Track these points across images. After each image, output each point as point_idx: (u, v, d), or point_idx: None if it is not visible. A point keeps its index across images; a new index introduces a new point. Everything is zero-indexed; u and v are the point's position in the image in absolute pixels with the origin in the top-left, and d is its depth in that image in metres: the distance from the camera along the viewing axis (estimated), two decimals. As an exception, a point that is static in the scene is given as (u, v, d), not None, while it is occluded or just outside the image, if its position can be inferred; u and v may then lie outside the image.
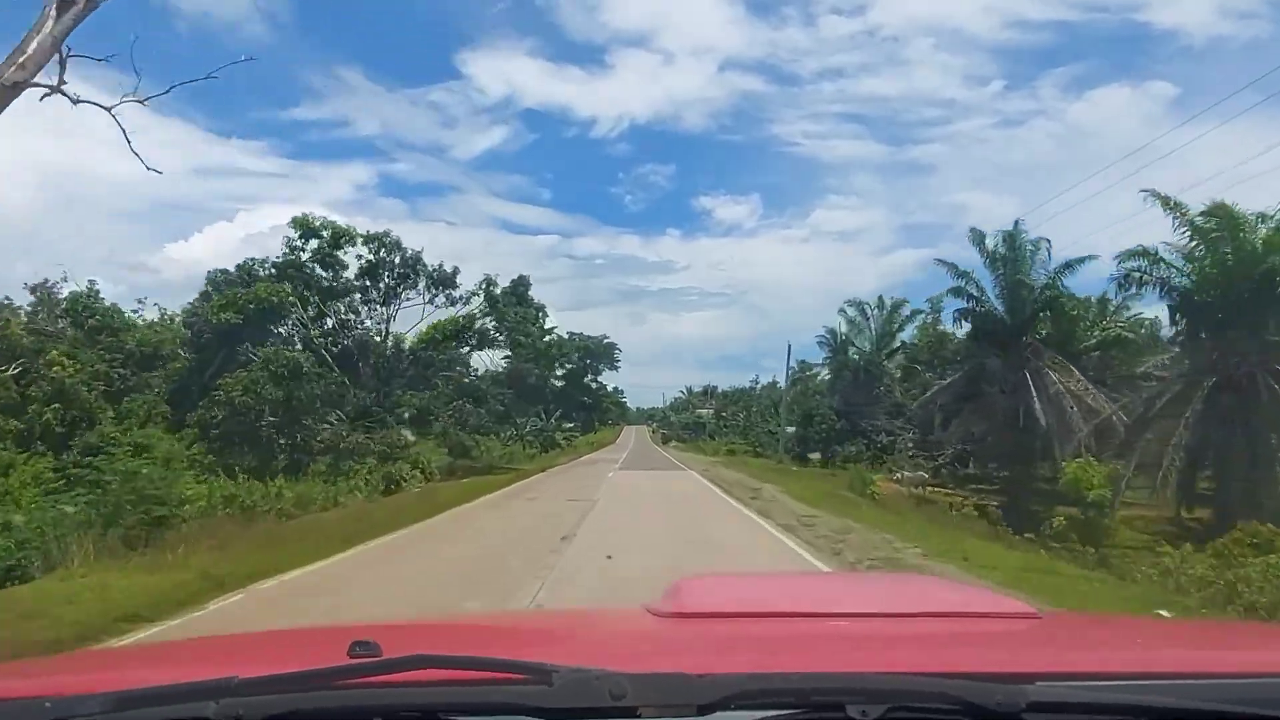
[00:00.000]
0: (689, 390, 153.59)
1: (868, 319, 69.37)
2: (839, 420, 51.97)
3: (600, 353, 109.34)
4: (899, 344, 63.40)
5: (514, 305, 41.71)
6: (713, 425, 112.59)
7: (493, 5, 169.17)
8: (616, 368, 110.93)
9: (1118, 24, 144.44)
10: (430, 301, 38.23)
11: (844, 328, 74.56)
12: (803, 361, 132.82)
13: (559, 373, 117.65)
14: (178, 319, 35.66)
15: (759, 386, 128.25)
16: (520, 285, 44.60)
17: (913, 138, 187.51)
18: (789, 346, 58.86)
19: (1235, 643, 2.28)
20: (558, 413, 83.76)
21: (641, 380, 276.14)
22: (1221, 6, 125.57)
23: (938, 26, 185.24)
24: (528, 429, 70.21)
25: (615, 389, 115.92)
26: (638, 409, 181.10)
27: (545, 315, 46.09)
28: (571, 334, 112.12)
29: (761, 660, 1.61)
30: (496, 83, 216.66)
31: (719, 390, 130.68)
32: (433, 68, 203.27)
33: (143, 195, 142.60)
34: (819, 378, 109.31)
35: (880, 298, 67.68)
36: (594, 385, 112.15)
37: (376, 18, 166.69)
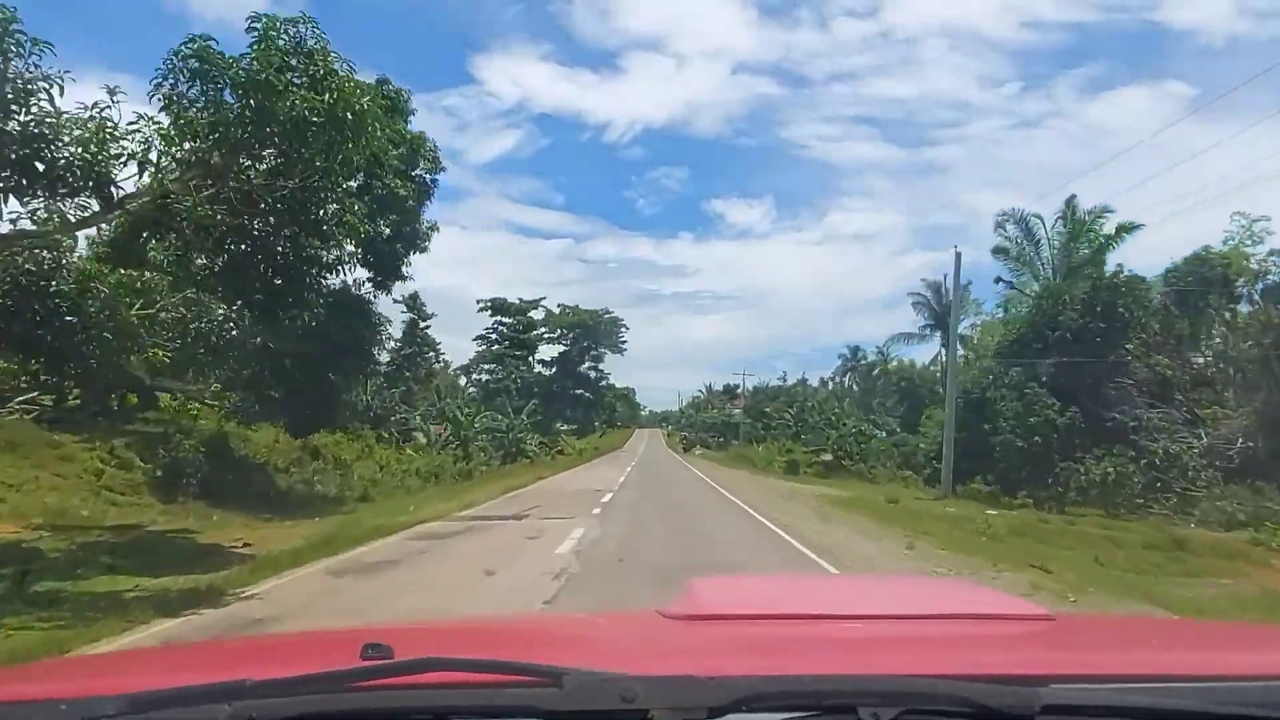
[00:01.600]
0: (708, 388, 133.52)
1: (1036, 243, 40.43)
2: (1063, 413, 23.12)
3: (599, 330, 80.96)
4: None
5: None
6: (747, 426, 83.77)
7: (506, 11, 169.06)
8: (622, 349, 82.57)
9: (1134, 24, 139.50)
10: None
11: (940, 289, 46.91)
12: (856, 349, 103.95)
13: (547, 355, 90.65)
14: None
15: (787, 383, 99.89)
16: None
17: (927, 140, 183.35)
18: (956, 256, 29.10)
19: (1253, 644, 2.13)
20: (528, 405, 55.27)
21: (655, 384, 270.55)
22: (1240, 5, 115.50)
23: (952, 28, 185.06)
24: (476, 427, 41.76)
25: (628, 389, 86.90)
26: (650, 412, 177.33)
27: (434, 157, 16.76)
28: (564, 306, 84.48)
29: (774, 663, 1.59)
30: (510, 87, 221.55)
31: (742, 388, 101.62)
32: (446, 73, 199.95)
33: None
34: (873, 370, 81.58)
35: (1069, 201, 38.65)
36: (594, 374, 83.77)
37: (391, 24, 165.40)
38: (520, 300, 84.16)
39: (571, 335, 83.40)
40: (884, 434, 55.29)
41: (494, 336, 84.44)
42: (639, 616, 2.46)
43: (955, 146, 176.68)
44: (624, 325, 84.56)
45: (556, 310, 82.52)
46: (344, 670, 1.30)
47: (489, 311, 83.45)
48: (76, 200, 8.39)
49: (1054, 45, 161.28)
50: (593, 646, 2.11)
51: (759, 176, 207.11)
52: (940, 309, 58.56)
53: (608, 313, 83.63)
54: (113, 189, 8.32)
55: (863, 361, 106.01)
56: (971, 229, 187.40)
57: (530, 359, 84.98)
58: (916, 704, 1.26)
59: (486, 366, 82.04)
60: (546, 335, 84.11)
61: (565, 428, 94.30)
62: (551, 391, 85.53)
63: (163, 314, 12.49)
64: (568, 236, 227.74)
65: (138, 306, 11.47)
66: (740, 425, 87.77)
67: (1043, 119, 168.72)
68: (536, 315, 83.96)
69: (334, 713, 1.26)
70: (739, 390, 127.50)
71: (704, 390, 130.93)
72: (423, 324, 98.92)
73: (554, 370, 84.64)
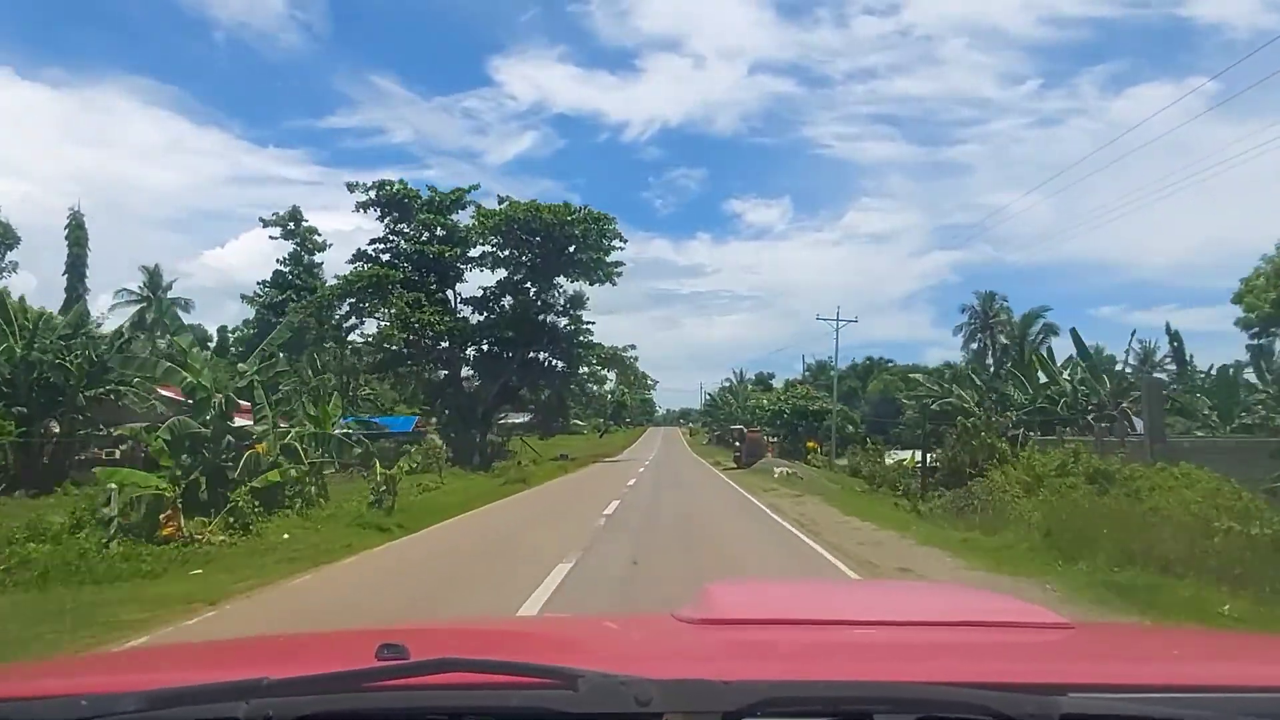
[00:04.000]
0: (739, 376, 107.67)
1: None
2: None
3: (571, 241, 41.16)
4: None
5: None
6: (837, 421, 44.31)
7: (524, 12, 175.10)
8: (613, 275, 43.05)
9: (1158, 19, 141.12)
10: None
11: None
12: (990, 295, 66.72)
13: (476, 286, 52.77)
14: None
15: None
16: None
17: (947, 138, 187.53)
18: None
19: (1272, 656, 2.10)
20: (260, 363, 14.54)
21: (671, 385, 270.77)
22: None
23: (972, 25, 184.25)
24: None
25: (624, 349, 47.33)
26: (666, 410, 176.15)
27: None
28: (508, 199, 45.95)
29: (789, 668, 1.60)
30: (528, 89, 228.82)
31: (834, 353, 63.66)
32: (465, 75, 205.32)
33: (181, 204, 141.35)
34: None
35: None
36: (563, 322, 44.41)
37: (411, 27, 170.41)
38: (434, 191, 45.46)
39: (521, 255, 44.30)
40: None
41: (386, 257, 45.75)
42: (654, 620, 2.49)
43: (975, 145, 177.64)
44: (618, 235, 45.44)
45: (499, 206, 43.62)
46: (360, 670, 1.30)
47: (375, 208, 44.86)
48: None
49: (1075, 41, 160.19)
50: (607, 649, 2.15)
51: (777, 176, 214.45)
52: None
53: (585, 209, 44.43)
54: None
55: (1002, 314, 68.37)
56: (990, 228, 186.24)
57: (451, 295, 46.24)
58: (933, 711, 1.24)
59: (355, 305, 43.35)
60: (483, 251, 45.24)
61: (515, 419, 55.90)
62: (489, 355, 46.81)
63: None
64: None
65: None
66: (827, 416, 48.57)
67: (1064, 116, 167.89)
68: (463, 218, 45.23)
69: (349, 712, 1.27)
70: (773, 380, 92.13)
71: (733, 377, 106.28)
72: (310, 257, 60.09)
73: (488, 316, 45.66)
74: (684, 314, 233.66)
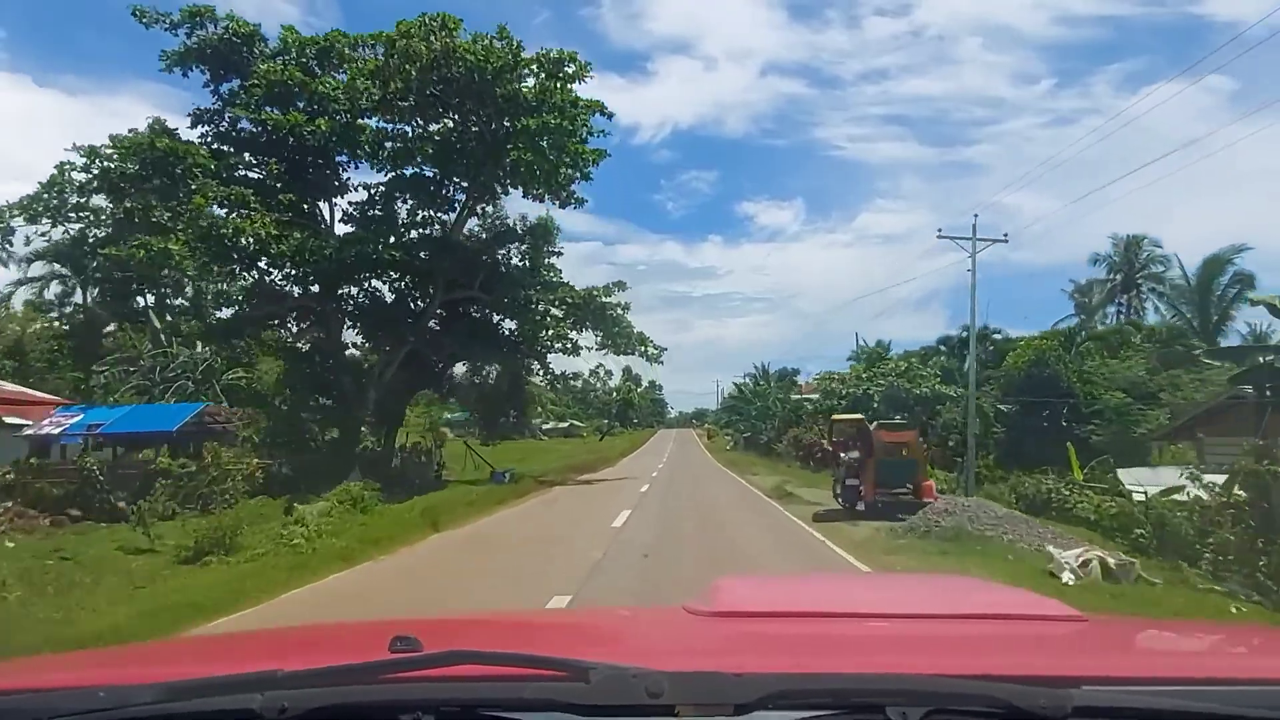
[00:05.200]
0: (763, 368, 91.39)
1: None
2: None
3: (511, 94, 20.50)
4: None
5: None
6: (972, 418, 23.57)
7: (535, 16, 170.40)
8: (587, 170, 21.94)
9: (1172, 17, 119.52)
10: None
11: None
12: (1133, 239, 46.31)
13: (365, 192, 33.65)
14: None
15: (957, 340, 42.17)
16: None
17: (960, 139, 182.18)
18: None
19: None
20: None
21: (682, 387, 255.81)
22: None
23: (985, 24, 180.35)
24: None
25: (609, 289, 27.00)
26: (679, 413, 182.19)
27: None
28: (419, 22, 25.48)
29: (800, 660, 1.64)
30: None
31: (971, 320, 42.41)
32: None
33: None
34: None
35: None
36: (506, 253, 24.01)
37: None
38: (290, 33, 25.54)
39: (438, 134, 24.19)
40: None
41: (211, 139, 26.03)
42: (665, 613, 2.60)
43: (988, 145, 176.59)
44: (599, 107, 25.70)
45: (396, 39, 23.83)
46: (373, 662, 1.36)
47: (197, 67, 24.96)
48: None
49: (1089, 41, 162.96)
50: (619, 642, 2.25)
51: (789, 178, 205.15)
52: None
53: (541, 51, 24.78)
54: None
55: (1155, 264, 49.28)
56: (1005, 228, 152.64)
57: (326, 209, 26.52)
58: (945, 704, 1.28)
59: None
60: (374, 132, 25.30)
61: (452, 414, 36.60)
62: (381, 304, 27.08)
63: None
64: (596, 239, 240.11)
65: None
66: (943, 405, 28.51)
67: (1078, 116, 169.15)
68: (333, 82, 25.45)
69: (363, 703, 1.32)
70: (797, 376, 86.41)
71: (756, 370, 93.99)
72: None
73: (374, 232, 25.36)
74: (696, 316, 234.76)
